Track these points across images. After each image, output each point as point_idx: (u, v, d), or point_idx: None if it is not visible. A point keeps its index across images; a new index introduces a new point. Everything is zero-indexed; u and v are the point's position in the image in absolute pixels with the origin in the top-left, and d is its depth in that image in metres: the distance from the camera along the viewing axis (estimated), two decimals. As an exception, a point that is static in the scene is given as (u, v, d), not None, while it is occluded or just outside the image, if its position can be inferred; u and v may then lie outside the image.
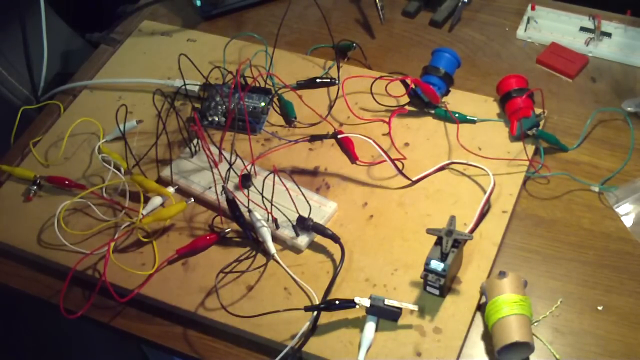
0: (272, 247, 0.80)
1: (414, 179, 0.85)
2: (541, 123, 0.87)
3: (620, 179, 0.84)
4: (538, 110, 0.88)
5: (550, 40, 0.99)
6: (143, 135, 0.93)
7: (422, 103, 0.91)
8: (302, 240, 0.80)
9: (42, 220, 0.86)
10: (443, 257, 0.73)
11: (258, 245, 0.80)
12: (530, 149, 0.86)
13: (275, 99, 0.95)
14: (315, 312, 0.74)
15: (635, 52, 0.96)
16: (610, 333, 0.73)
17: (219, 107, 0.95)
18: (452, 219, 0.75)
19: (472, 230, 0.79)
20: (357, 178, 0.87)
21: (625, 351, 0.71)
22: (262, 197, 0.80)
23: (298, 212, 0.80)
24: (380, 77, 0.91)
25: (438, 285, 0.73)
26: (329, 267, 0.79)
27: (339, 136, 0.88)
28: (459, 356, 0.72)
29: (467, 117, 0.90)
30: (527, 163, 0.85)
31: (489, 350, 0.73)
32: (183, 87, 0.95)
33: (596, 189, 0.83)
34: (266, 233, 0.80)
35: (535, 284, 0.76)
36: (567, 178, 0.84)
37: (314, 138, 0.87)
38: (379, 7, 1.06)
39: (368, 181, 0.86)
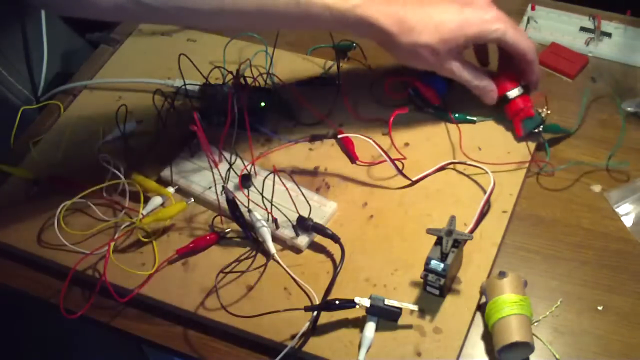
0: (272, 247, 0.80)
1: (414, 179, 0.85)
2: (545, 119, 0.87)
3: (620, 179, 0.84)
4: (539, 108, 0.87)
5: (550, 40, 0.99)
6: (143, 136, 0.93)
7: (422, 103, 0.91)
8: (302, 240, 0.80)
9: (42, 220, 0.86)
10: (443, 257, 0.73)
11: (258, 245, 0.80)
12: (531, 146, 0.86)
13: (275, 99, 0.95)
14: (315, 312, 0.74)
15: (635, 52, 0.96)
16: (610, 333, 0.73)
17: (219, 107, 0.95)
18: (452, 219, 0.75)
19: (472, 230, 0.79)
20: (357, 178, 0.87)
21: (625, 351, 0.71)
22: (262, 197, 0.79)
23: (298, 212, 0.80)
24: (380, 77, 0.91)
25: (438, 285, 0.73)
26: (329, 267, 0.79)
27: (339, 136, 0.88)
28: (459, 356, 0.72)
29: (467, 117, 0.90)
30: (527, 163, 0.85)
31: (489, 350, 0.73)
32: (183, 87, 0.95)
33: (596, 189, 0.83)
34: (266, 233, 0.80)
35: (535, 284, 0.76)
36: (567, 178, 0.84)
37: (314, 138, 0.87)
38: (379, 7, 1.05)
39: (368, 181, 0.86)
